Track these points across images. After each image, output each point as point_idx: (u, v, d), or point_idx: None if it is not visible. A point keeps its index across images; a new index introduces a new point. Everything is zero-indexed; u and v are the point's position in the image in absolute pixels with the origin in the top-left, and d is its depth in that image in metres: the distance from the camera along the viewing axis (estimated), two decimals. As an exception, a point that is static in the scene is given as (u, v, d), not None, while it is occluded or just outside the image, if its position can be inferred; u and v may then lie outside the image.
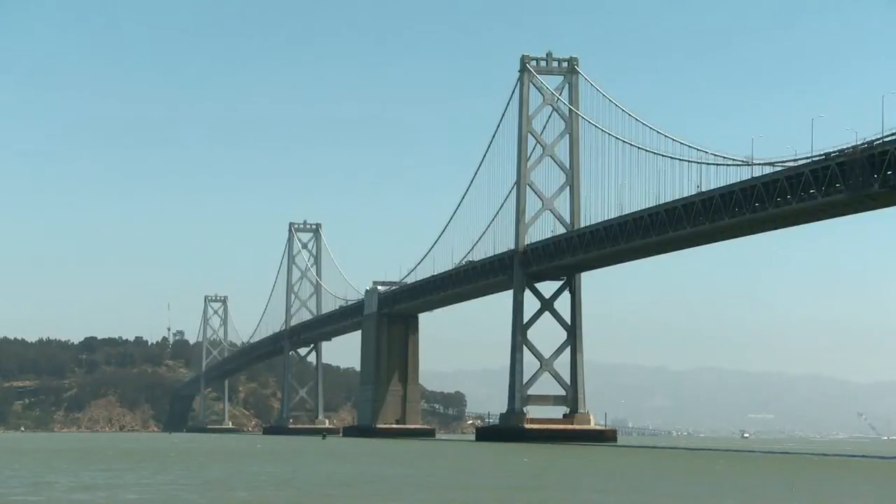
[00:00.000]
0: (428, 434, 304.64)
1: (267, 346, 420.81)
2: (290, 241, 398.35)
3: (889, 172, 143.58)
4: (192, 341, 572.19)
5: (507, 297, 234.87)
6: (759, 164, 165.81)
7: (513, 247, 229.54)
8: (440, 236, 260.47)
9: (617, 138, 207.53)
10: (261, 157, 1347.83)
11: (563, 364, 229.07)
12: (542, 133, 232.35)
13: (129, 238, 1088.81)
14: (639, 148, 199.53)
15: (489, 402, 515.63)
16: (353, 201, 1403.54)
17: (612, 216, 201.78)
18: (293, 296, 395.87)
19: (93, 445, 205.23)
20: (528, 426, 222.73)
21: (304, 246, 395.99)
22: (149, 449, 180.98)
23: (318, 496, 72.33)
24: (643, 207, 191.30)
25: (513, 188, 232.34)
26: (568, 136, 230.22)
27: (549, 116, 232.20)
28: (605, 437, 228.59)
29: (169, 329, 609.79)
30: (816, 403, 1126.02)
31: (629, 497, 73.88)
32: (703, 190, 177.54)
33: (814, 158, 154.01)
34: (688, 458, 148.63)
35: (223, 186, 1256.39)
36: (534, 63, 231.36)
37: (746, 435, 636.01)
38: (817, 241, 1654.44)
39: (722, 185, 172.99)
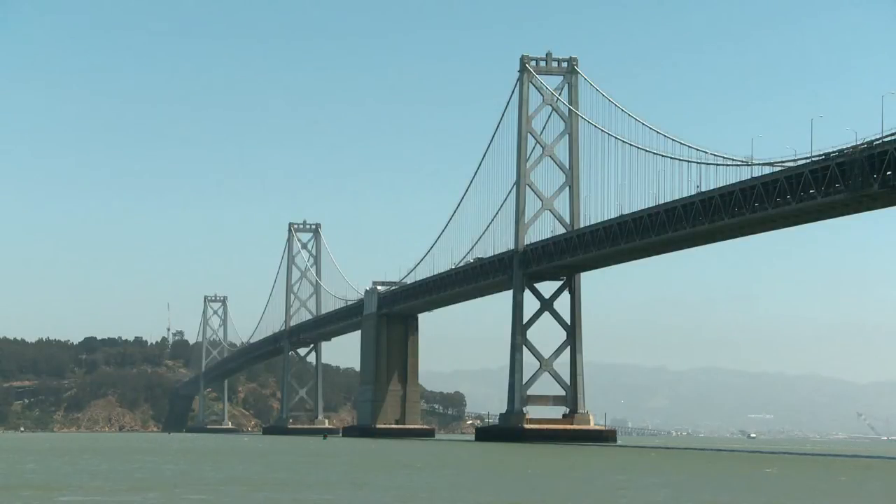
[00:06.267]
0: (427, 434, 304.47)
1: (267, 346, 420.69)
2: (289, 241, 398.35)
3: (889, 172, 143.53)
4: (191, 341, 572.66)
5: (506, 297, 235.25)
6: (758, 165, 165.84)
7: (512, 247, 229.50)
8: (440, 236, 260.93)
9: (616, 138, 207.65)
10: (261, 157, 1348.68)
11: (562, 364, 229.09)
12: (541, 133, 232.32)
13: (129, 238, 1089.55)
14: (638, 148, 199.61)
15: (489, 402, 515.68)
16: (353, 201, 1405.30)
17: (612, 216, 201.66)
18: (293, 296, 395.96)
19: (126, 445, 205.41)
20: (527, 426, 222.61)
21: (304, 246, 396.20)
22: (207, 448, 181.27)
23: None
24: (643, 208, 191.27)
25: (512, 188, 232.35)
26: (567, 136, 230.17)
27: (549, 116, 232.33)
28: (604, 437, 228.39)
29: (168, 329, 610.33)
30: (816, 403, 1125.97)
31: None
32: (703, 190, 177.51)
33: (813, 159, 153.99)
34: (723, 462, 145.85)
35: (223, 187, 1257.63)
36: (533, 63, 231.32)
37: (752, 435, 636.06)
38: (817, 241, 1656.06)
39: (721, 185, 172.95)
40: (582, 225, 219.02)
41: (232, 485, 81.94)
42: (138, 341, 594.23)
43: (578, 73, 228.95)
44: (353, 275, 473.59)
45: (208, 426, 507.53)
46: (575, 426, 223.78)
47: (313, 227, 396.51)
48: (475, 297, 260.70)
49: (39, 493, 73.28)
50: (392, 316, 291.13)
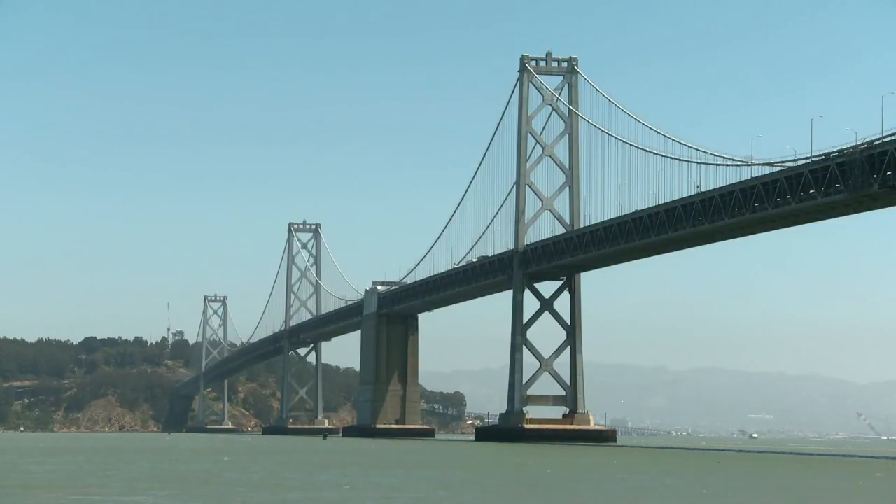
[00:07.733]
0: (427, 434, 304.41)
1: (267, 346, 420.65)
2: (289, 241, 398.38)
3: (889, 172, 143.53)
4: (191, 341, 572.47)
5: (506, 297, 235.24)
6: (758, 165, 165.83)
7: (512, 247, 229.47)
8: (440, 236, 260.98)
9: (616, 138, 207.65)
10: (261, 157, 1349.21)
11: (562, 364, 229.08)
12: (541, 133, 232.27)
13: (129, 238, 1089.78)
14: (638, 148, 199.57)
15: (489, 402, 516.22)
16: (353, 201, 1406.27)
17: (612, 216, 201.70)
18: (293, 296, 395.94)
19: (144, 445, 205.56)
20: (527, 426, 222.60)
21: (304, 246, 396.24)
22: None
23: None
24: (643, 208, 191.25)
25: (512, 188, 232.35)
26: (567, 136, 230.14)
27: (549, 116, 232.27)
28: (604, 437, 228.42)
29: (168, 329, 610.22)
30: (816, 403, 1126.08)
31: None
32: (703, 190, 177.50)
33: (813, 158, 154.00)
34: (733, 462, 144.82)
35: (223, 186, 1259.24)
36: (533, 63, 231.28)
37: (754, 435, 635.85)
38: (817, 241, 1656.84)
39: (721, 185, 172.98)
40: (582, 225, 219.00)
41: (238, 485, 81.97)
42: (138, 341, 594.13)
43: (578, 73, 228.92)
44: (353, 275, 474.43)
45: (208, 426, 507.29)
46: (575, 426, 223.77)
47: (313, 227, 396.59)
48: (475, 297, 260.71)
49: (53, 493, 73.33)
50: (392, 316, 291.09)
